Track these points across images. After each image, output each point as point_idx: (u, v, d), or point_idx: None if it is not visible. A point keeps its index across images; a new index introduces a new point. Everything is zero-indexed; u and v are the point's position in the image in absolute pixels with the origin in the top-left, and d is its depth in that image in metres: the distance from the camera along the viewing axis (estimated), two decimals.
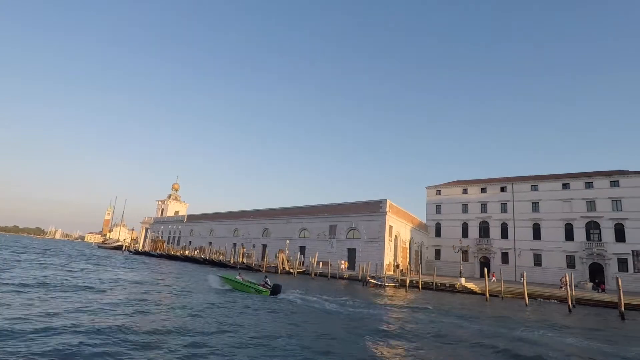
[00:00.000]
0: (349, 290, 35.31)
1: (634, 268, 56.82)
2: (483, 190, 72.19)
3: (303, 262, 62.40)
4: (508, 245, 67.08)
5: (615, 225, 59.29)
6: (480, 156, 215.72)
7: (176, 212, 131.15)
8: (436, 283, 42.63)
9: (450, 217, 74.38)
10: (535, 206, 66.28)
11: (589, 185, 62.59)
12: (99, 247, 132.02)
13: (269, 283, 27.06)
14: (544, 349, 13.87)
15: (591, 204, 61.67)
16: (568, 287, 32.81)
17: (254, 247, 75.36)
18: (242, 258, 66.04)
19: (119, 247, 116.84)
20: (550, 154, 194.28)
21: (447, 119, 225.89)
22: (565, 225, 63.06)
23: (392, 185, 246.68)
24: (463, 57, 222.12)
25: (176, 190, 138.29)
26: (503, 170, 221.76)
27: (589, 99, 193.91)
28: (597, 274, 58.85)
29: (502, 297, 38.19)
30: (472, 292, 40.97)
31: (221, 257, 69.75)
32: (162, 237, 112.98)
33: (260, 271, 54.68)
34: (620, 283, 29.71)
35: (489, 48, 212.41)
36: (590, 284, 49.93)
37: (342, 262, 54.60)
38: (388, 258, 54.21)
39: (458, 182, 77.97)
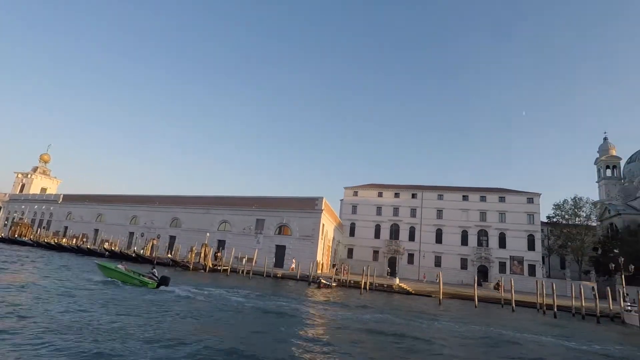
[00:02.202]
0: (300, 291, 33.84)
1: (510, 270, 68.17)
2: (396, 195, 77.84)
3: (221, 257, 57.87)
4: (414, 247, 73.61)
5: (499, 234, 70.30)
6: (396, 161, 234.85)
7: (43, 190, 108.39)
8: (375, 284, 44.02)
9: (365, 218, 78.08)
10: (440, 213, 74.30)
11: (482, 199, 72.87)
12: None
13: (156, 274, 26.16)
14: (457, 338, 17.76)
15: (483, 215, 71.93)
16: (502, 289, 37.52)
17: (158, 237, 66.80)
18: (149, 251, 58.07)
19: None
20: (455, 166, 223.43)
21: (371, 121, 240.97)
22: (462, 231, 72.21)
23: (308, 181, 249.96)
24: (386, 59, 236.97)
25: (45, 162, 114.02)
26: (416, 177, 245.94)
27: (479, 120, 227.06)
28: (483, 274, 68.90)
29: (433, 297, 41.39)
30: (407, 292, 43.47)
31: (113, 247, 60.08)
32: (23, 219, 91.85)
33: (178, 266, 48.68)
34: (512, 283, 39.17)
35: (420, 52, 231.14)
36: (492, 284, 58.02)
37: (294, 260, 51.82)
38: (319, 257, 54.02)
39: (374, 185, 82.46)
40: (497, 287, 51.49)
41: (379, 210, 77.92)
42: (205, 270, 47.43)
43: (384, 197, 78.52)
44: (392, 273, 68.77)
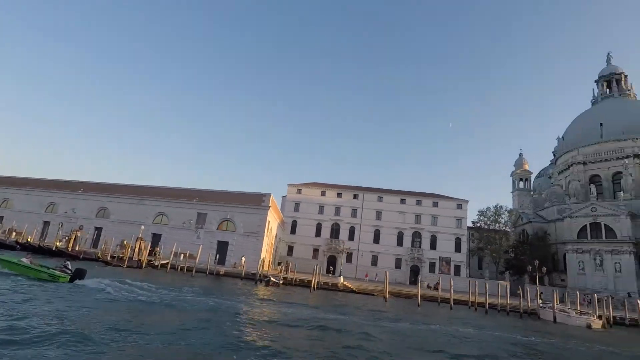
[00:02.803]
0: (249, 290, 32.89)
1: (439, 270, 73.32)
2: (339, 195, 79.34)
3: (158, 252, 53.71)
4: (353, 246, 75.68)
5: (431, 236, 75.24)
6: (338, 162, 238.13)
7: None
8: (321, 282, 44.32)
9: (307, 216, 78.33)
10: (379, 215, 77.32)
11: (418, 202, 77.38)
12: None
13: (70, 267, 24.81)
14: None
15: (418, 218, 76.40)
16: (440, 289, 40.02)
17: (81, 228, 60.00)
18: (71, 243, 51.84)
19: None
20: (394, 170, 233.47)
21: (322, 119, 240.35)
22: (398, 232, 75.96)
23: (247, 176, 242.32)
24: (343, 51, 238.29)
25: None
26: (356, 178, 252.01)
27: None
28: (414, 273, 73.18)
29: (375, 295, 42.91)
30: (352, 290, 44.42)
31: (25, 238, 52.73)
32: None
33: (105, 263, 43.94)
34: (452, 283, 42.15)
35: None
36: (427, 283, 61.65)
37: (243, 257, 49.41)
38: (263, 254, 52.87)
39: (318, 184, 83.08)
40: (433, 286, 54.95)
41: (321, 209, 78.71)
42: (140, 266, 43.67)
43: (326, 197, 79.51)
44: (333, 271, 70.25)
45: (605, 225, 69.94)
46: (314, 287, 41.22)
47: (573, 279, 70.53)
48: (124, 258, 43.97)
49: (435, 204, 77.00)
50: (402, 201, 77.80)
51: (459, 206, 76.85)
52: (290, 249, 76.96)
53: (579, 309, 38.77)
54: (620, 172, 77.68)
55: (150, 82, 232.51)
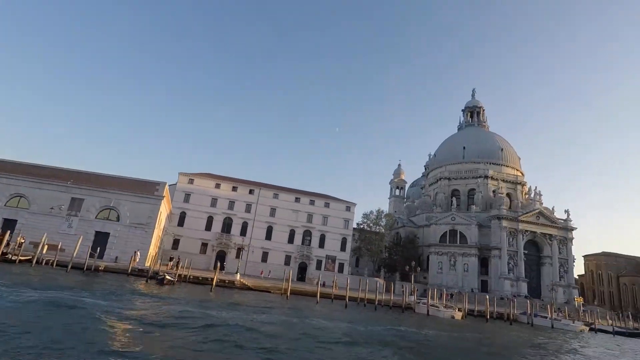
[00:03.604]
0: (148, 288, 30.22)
1: (325, 267, 77.53)
2: (234, 188, 77.27)
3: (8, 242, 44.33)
4: (245, 242, 74.61)
5: (320, 235, 79.03)
6: (233, 155, 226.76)
7: None
8: (218, 280, 42.79)
9: (198, 209, 74.22)
10: (273, 211, 77.86)
11: (312, 202, 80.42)
12: None
13: None
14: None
15: (310, 217, 79.41)
16: (335, 286, 42.58)
17: None
18: None
19: None
20: (287, 168, 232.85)
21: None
22: (290, 230, 77.69)
23: (134, 163, 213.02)
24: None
25: None
26: (250, 173, 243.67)
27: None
28: (302, 270, 75.95)
29: (272, 292, 43.62)
30: (248, 288, 44.07)
31: None
32: None
33: None
34: (348, 281, 45.39)
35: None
36: (315, 280, 64.24)
37: (137, 252, 43.50)
38: (152, 248, 48.46)
39: (212, 176, 79.45)
40: (323, 283, 57.93)
41: (214, 202, 75.51)
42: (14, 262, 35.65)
43: (221, 189, 76.63)
44: (222, 267, 68.29)
45: (460, 232, 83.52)
46: (212, 285, 39.59)
47: (433, 277, 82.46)
48: None
49: (327, 205, 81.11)
50: (297, 200, 79.85)
51: (348, 208, 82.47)
52: (176, 243, 71.87)
53: (444, 303, 45.94)
54: (474, 189, 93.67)
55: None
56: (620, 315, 73.55)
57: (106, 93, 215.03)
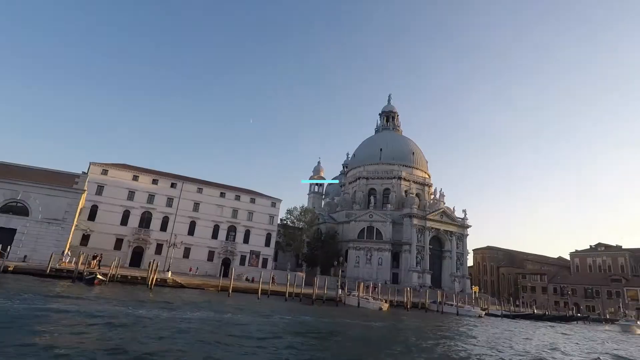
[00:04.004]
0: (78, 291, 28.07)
1: (249, 262, 77.76)
2: (155, 181, 72.96)
3: None
4: (165, 237, 70.99)
5: (245, 230, 78.92)
6: (152, 146, 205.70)
7: None
8: (155, 278, 40.84)
9: (112, 202, 68.47)
10: (197, 206, 75.40)
11: (237, 198, 79.78)
12: None
13: None
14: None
15: (235, 212, 78.71)
16: (261, 281, 43.77)
17: None
18: None
19: None
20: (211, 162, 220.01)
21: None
22: (214, 226, 76.14)
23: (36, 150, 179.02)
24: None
25: None
26: (171, 166, 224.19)
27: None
28: (226, 266, 75.08)
29: (205, 289, 43.26)
30: (181, 285, 42.88)
31: None
32: None
33: None
34: (275, 279, 46.29)
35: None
36: (245, 277, 64.21)
37: (68, 253, 38.25)
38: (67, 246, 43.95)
39: (129, 167, 73.78)
40: (252, 279, 58.48)
41: (131, 195, 70.37)
42: None
43: (139, 182, 71.67)
44: (138, 264, 64.75)
45: (377, 229, 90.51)
46: (151, 284, 37.63)
47: (351, 271, 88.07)
48: None
49: (252, 201, 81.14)
50: (222, 195, 78.43)
51: (273, 204, 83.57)
52: (86, 238, 65.49)
53: (372, 295, 50.31)
54: (389, 189, 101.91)
55: None
56: (502, 301, 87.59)
57: None
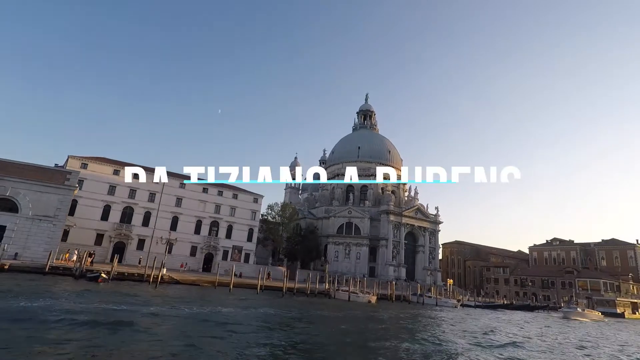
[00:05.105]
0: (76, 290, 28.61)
1: (231, 257, 78.54)
2: (136, 176, 71.93)
3: None
4: (147, 232, 70.63)
5: (228, 226, 79.51)
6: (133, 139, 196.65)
7: None
8: (147, 275, 41.25)
9: (92, 197, 67.01)
10: (179, 201, 75.14)
11: (220, 193, 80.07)
12: None
13: None
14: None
15: (218, 208, 79.06)
16: (232, 275, 45.30)
17: None
18: None
19: None
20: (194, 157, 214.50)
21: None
22: (197, 221, 76.22)
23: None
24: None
25: None
26: (153, 159, 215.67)
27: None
28: (208, 261, 75.64)
29: (201, 286, 44.23)
30: (176, 282, 43.55)
31: None
32: None
33: None
34: (263, 274, 47.91)
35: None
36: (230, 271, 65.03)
37: (76, 251, 37.54)
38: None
39: (110, 161, 72.27)
40: (239, 274, 59.63)
41: (112, 190, 69.14)
42: None
43: (120, 176, 70.48)
44: (120, 259, 64.05)
45: (355, 224, 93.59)
46: (153, 282, 38.01)
47: (330, 265, 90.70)
48: None
49: (235, 196, 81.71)
50: (205, 190, 78.49)
51: (255, 200, 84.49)
52: (65, 234, 63.86)
53: (360, 289, 53.08)
54: (367, 186, 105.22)
55: None
56: (469, 292, 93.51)
57: None
